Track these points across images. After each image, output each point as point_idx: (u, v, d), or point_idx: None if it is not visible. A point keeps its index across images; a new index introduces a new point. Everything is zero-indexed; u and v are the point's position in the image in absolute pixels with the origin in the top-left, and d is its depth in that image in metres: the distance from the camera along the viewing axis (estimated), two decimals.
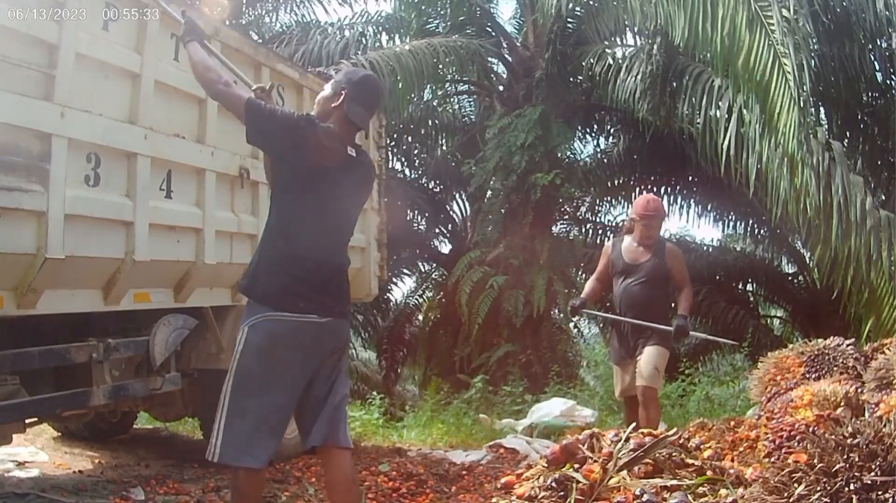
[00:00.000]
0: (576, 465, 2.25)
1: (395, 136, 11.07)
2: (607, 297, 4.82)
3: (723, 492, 2.05)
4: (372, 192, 2.82)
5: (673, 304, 5.11)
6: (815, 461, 1.71)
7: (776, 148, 6.46)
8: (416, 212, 12.52)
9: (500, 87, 10.91)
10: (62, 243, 3.31)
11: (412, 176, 12.95)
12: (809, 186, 6.20)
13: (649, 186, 12.09)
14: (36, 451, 4.97)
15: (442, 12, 10.65)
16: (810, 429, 2.20)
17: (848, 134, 9.08)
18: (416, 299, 13.12)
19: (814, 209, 6.29)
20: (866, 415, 2.41)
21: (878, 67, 8.77)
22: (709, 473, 2.19)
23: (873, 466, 1.64)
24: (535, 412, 6.73)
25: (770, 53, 5.98)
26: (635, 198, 12.27)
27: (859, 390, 2.57)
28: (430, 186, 13.03)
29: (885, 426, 1.73)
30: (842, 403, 2.42)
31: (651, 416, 4.39)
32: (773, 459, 2.19)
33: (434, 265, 13.31)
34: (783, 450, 2.19)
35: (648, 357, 4.51)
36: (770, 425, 2.45)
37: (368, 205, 6.25)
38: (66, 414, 4.15)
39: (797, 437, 2.20)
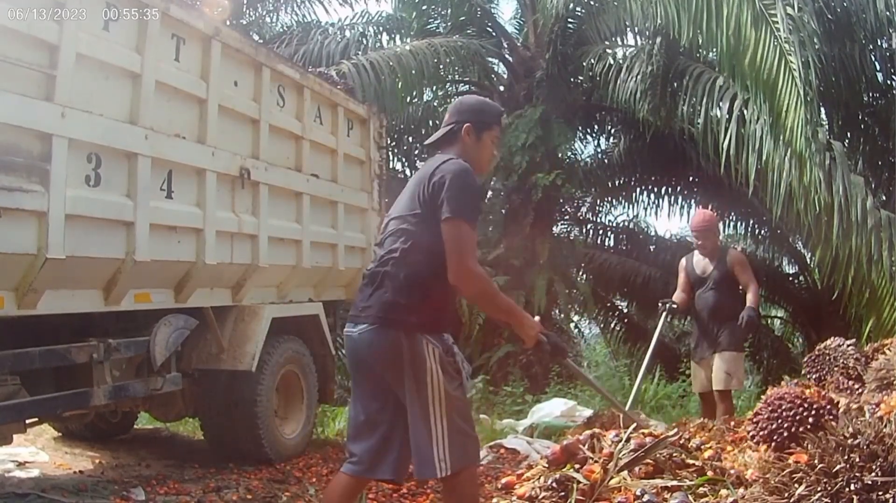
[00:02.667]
0: (576, 466, 2.26)
1: (395, 136, 11.05)
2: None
3: (723, 492, 2.05)
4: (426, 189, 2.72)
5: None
6: (816, 461, 1.71)
7: (781, 146, 6.46)
8: None
9: (501, 88, 10.90)
10: (63, 243, 3.31)
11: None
12: (818, 183, 6.20)
13: (650, 186, 12.10)
14: (36, 452, 4.97)
15: (442, 12, 10.65)
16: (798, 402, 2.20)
17: (848, 134, 9.07)
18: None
19: (822, 206, 6.29)
20: (867, 415, 2.41)
21: (878, 67, 8.78)
22: (709, 474, 2.19)
23: (874, 467, 1.64)
24: (535, 412, 6.72)
25: (776, 51, 5.97)
26: (636, 198, 12.40)
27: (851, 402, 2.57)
28: None
29: (885, 426, 1.73)
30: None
31: (726, 410, 4.97)
32: (756, 430, 2.18)
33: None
34: (770, 427, 2.19)
35: (719, 363, 5.07)
36: (760, 406, 2.45)
37: (369, 205, 6.26)
38: (66, 414, 4.16)
39: (783, 407, 2.19)
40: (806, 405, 2.26)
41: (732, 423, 3.15)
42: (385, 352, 2.59)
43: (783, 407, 2.28)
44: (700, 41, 6.76)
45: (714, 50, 6.97)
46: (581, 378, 3.54)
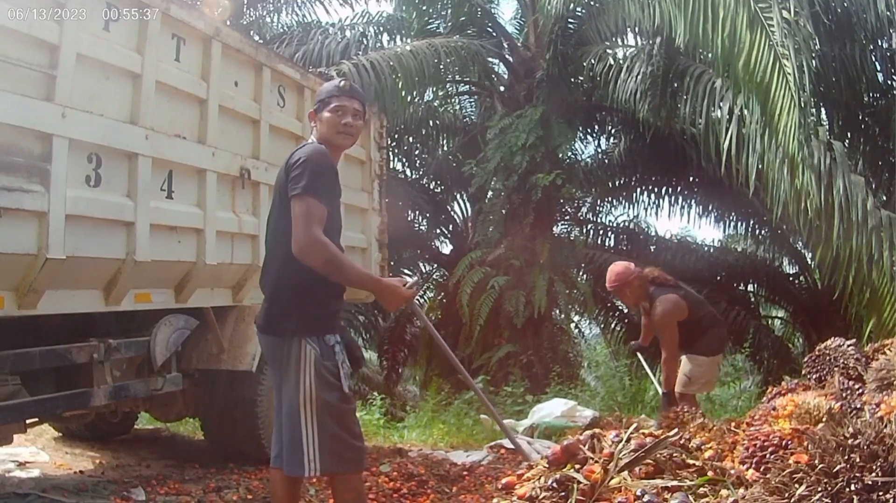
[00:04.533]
0: (577, 466, 2.25)
1: (395, 136, 11.07)
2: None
3: (724, 492, 2.04)
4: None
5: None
6: (816, 461, 1.71)
7: (777, 149, 6.46)
8: (417, 212, 12.52)
9: (501, 88, 10.90)
10: (63, 243, 3.31)
11: (413, 176, 12.95)
12: (810, 187, 6.20)
13: (650, 187, 12.10)
14: (37, 452, 4.98)
15: (443, 13, 10.65)
16: (783, 443, 2.19)
17: (849, 134, 9.07)
18: (417, 300, 13.12)
19: (814, 210, 6.29)
20: (867, 415, 2.40)
21: (879, 68, 8.77)
22: (710, 474, 2.18)
23: (874, 467, 1.64)
24: (535, 413, 6.72)
25: (770, 55, 5.97)
26: (636, 198, 12.41)
27: (844, 406, 2.56)
28: (431, 187, 13.02)
29: (886, 427, 1.73)
30: (823, 419, 2.40)
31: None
32: (746, 466, 2.19)
33: (435, 266, 13.31)
34: (755, 460, 2.18)
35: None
36: (747, 432, 2.44)
37: (369, 205, 6.26)
38: (67, 414, 4.16)
39: (770, 449, 2.19)
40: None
41: (733, 424, 3.15)
42: (269, 355, 2.79)
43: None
44: (697, 43, 6.75)
45: (711, 53, 6.97)
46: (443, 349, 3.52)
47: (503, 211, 9.89)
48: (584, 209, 12.70)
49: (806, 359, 3.36)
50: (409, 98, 9.29)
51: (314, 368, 2.60)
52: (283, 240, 2.65)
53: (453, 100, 12.59)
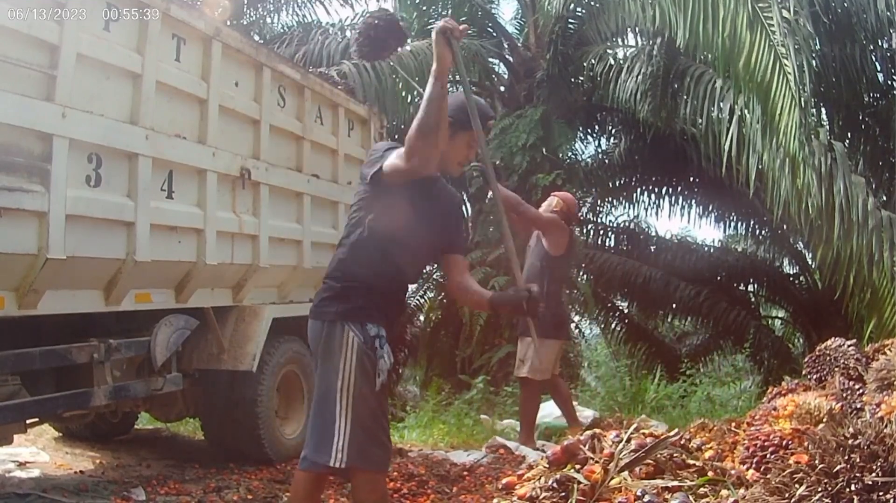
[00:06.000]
0: (577, 466, 2.25)
1: (396, 136, 11.04)
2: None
3: (724, 492, 2.05)
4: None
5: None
6: (817, 462, 1.71)
7: (777, 148, 6.46)
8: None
9: (502, 88, 10.90)
10: (63, 244, 3.31)
11: None
12: (811, 187, 6.20)
13: (650, 187, 12.10)
14: (37, 452, 4.97)
15: (443, 13, 10.64)
16: (784, 443, 2.19)
17: (849, 134, 9.07)
18: (418, 300, 13.10)
19: (815, 210, 6.28)
20: (867, 415, 2.40)
21: (879, 68, 8.77)
22: (710, 474, 2.19)
23: (874, 467, 1.64)
24: None
25: (770, 55, 5.98)
26: (636, 198, 12.42)
27: (845, 407, 2.56)
28: None
29: (886, 427, 1.73)
30: (824, 419, 2.40)
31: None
32: (746, 466, 2.19)
33: (435, 266, 13.28)
34: (755, 460, 2.18)
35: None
36: (747, 432, 2.44)
37: None
38: (67, 414, 4.15)
39: (770, 449, 2.19)
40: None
41: (733, 425, 3.15)
42: (312, 342, 2.69)
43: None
44: (697, 43, 6.75)
45: (711, 53, 6.97)
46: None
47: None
48: (584, 209, 12.69)
49: (806, 360, 3.36)
50: (409, 98, 9.28)
51: (356, 356, 2.54)
52: (351, 225, 2.68)
53: None
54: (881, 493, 1.60)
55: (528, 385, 5.32)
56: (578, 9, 9.72)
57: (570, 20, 9.67)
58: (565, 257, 5.35)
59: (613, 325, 12.39)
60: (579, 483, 2.12)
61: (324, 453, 2.51)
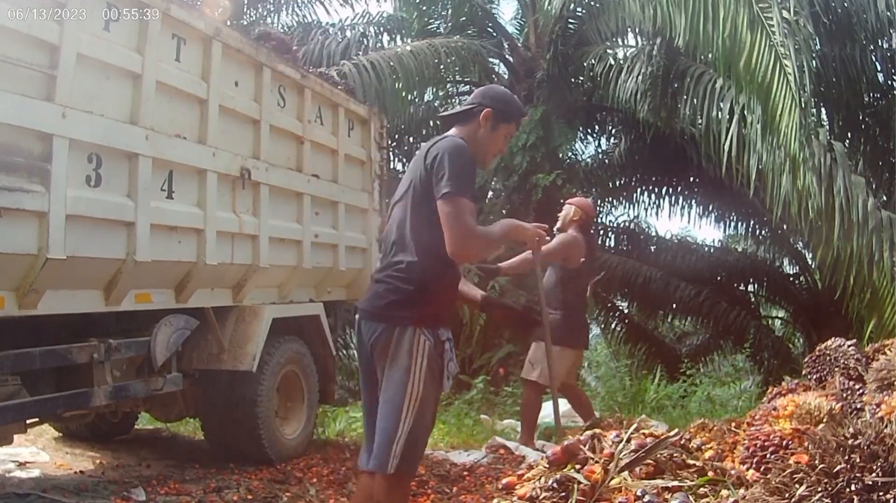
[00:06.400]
0: (577, 466, 2.25)
1: (396, 136, 11.06)
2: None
3: (724, 492, 2.04)
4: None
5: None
6: (817, 462, 1.71)
7: (777, 149, 6.46)
8: None
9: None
10: (63, 244, 3.31)
11: None
12: (811, 187, 6.20)
13: (650, 187, 12.10)
14: (37, 452, 4.97)
15: (443, 13, 10.65)
16: (784, 443, 2.19)
17: (849, 135, 9.07)
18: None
19: (815, 210, 6.28)
20: (867, 416, 2.40)
21: (879, 68, 8.77)
22: (710, 474, 2.18)
23: (874, 467, 1.64)
24: None
25: (771, 55, 5.97)
26: (636, 198, 12.41)
27: (845, 407, 2.55)
28: None
29: (886, 427, 1.73)
30: (824, 419, 2.40)
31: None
32: (746, 467, 2.18)
33: None
34: (755, 460, 2.18)
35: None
36: (747, 432, 2.44)
37: (369, 205, 6.26)
38: (67, 414, 4.15)
39: (770, 449, 2.19)
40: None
41: (733, 425, 3.15)
42: (376, 345, 2.58)
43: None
44: (697, 43, 6.76)
45: (711, 53, 6.97)
46: None
47: (503, 211, 9.87)
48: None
49: (806, 360, 3.36)
50: (409, 98, 9.29)
51: (427, 361, 2.51)
52: (415, 230, 2.57)
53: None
54: (881, 493, 1.60)
55: (532, 388, 5.30)
56: (578, 9, 9.73)
57: (570, 20, 9.68)
58: (584, 266, 5.26)
59: (613, 325, 12.38)
60: (579, 483, 2.12)
61: (383, 462, 2.48)
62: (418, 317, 2.54)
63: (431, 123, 11.97)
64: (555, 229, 5.33)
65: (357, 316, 2.72)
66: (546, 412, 6.60)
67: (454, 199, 2.46)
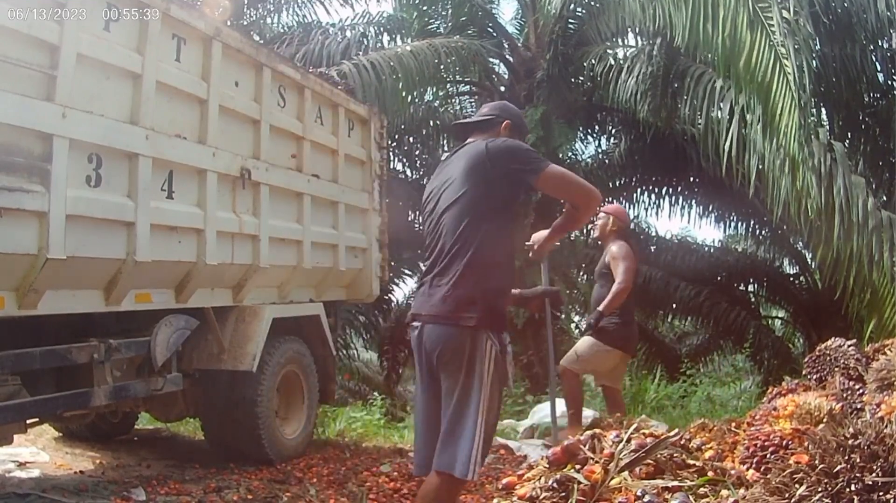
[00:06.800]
0: (577, 466, 2.25)
1: (396, 136, 11.05)
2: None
3: (724, 492, 2.05)
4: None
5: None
6: (817, 462, 1.71)
7: (777, 149, 6.46)
8: (418, 212, 12.51)
9: (502, 88, 10.89)
10: (63, 244, 3.31)
11: (414, 176, 12.92)
12: (811, 187, 6.19)
13: (651, 187, 12.10)
14: (37, 452, 4.97)
15: (443, 13, 10.65)
16: (784, 443, 2.19)
17: (849, 135, 9.06)
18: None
19: (815, 210, 6.28)
20: (867, 416, 2.40)
21: (879, 68, 8.76)
22: (710, 474, 2.19)
23: (874, 467, 1.64)
24: (536, 413, 6.72)
25: (771, 55, 5.97)
26: (636, 198, 12.40)
27: (845, 407, 2.55)
28: None
29: (886, 427, 1.73)
30: (824, 419, 2.40)
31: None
32: (746, 467, 2.18)
33: None
34: (756, 460, 2.18)
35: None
36: (748, 432, 2.44)
37: (370, 205, 6.26)
38: (67, 414, 4.15)
39: (770, 449, 2.19)
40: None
41: (734, 425, 3.15)
42: (442, 349, 2.55)
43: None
44: (697, 43, 6.75)
45: (711, 53, 6.97)
46: None
47: None
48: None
49: (806, 360, 3.36)
50: (409, 98, 9.28)
51: (494, 365, 2.52)
52: (476, 237, 2.57)
53: (454, 100, 12.58)
54: (881, 493, 1.60)
55: (571, 375, 5.28)
56: (578, 9, 9.72)
57: (570, 20, 9.67)
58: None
59: None
60: (579, 483, 2.12)
61: (462, 466, 2.45)
62: (487, 322, 2.54)
63: (431, 123, 11.98)
64: (592, 237, 5.41)
65: (414, 323, 2.68)
66: (546, 412, 6.60)
67: (548, 167, 2.65)
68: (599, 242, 5.48)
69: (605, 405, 5.75)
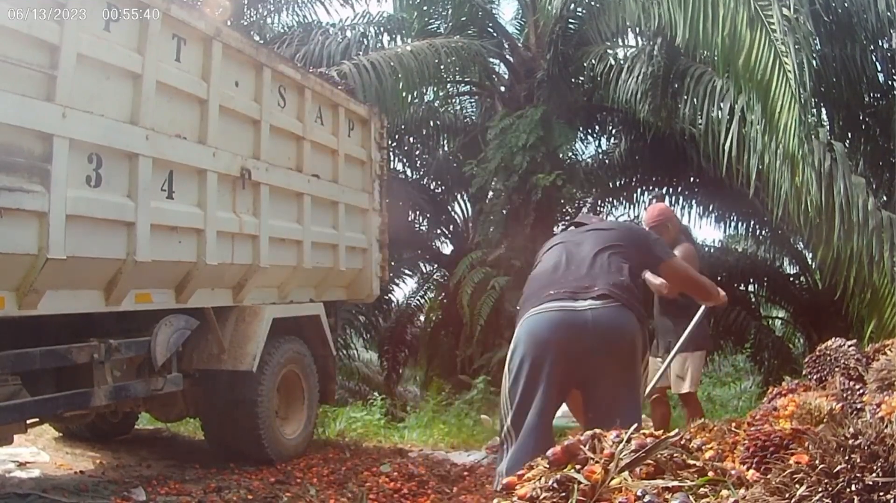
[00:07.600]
0: (577, 466, 2.25)
1: (396, 136, 11.06)
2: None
3: (724, 492, 2.04)
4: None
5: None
6: (817, 462, 1.71)
7: (777, 148, 6.45)
8: (418, 212, 12.51)
9: (502, 88, 10.90)
10: (63, 244, 3.32)
11: (414, 176, 12.94)
12: (810, 185, 6.19)
13: (651, 187, 12.09)
14: (37, 452, 4.97)
15: (443, 13, 10.64)
16: (784, 443, 2.19)
17: (849, 135, 9.05)
18: (418, 300, 13.10)
19: (814, 208, 6.28)
20: (868, 416, 2.40)
21: (879, 68, 8.75)
22: (710, 474, 2.18)
23: (875, 467, 1.64)
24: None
25: (770, 52, 5.97)
26: (637, 198, 12.39)
27: (846, 407, 2.55)
28: (432, 187, 13.01)
29: (886, 427, 1.73)
30: (824, 419, 2.40)
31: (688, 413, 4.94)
32: (746, 467, 2.18)
33: (435, 266, 13.30)
34: (756, 460, 2.18)
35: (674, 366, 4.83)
36: (748, 432, 2.44)
37: (370, 205, 6.26)
38: (67, 414, 4.16)
39: (770, 449, 2.19)
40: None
41: (734, 425, 3.15)
42: (623, 332, 2.66)
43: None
44: (697, 42, 6.75)
45: (711, 51, 6.97)
46: None
47: (504, 211, 9.88)
48: (584, 209, 12.68)
49: (807, 360, 3.36)
50: (409, 98, 9.28)
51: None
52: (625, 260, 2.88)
53: (454, 100, 12.58)
54: (882, 494, 1.60)
55: (690, 400, 4.93)
56: (578, 9, 9.72)
57: (570, 20, 9.67)
58: None
59: None
60: (579, 483, 2.12)
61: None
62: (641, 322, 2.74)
63: (431, 123, 11.99)
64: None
65: (565, 317, 2.73)
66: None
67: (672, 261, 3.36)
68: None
69: (685, 413, 5.28)
